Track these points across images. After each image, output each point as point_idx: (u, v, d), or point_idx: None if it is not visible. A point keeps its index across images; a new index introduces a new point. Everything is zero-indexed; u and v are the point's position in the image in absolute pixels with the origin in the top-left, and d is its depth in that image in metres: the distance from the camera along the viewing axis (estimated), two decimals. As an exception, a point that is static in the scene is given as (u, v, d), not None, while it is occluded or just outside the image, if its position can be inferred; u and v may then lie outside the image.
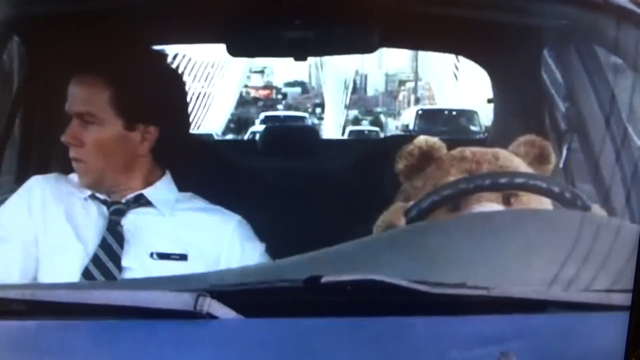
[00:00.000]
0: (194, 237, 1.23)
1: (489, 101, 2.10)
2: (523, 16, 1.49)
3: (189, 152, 1.28)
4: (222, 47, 1.65)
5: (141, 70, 1.27)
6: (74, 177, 1.30)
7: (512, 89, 1.86)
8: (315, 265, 0.96)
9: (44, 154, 1.68)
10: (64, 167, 1.58)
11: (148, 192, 1.26)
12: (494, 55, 1.88)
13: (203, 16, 1.56)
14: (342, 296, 0.90)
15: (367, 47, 1.70)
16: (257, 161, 1.90)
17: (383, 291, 0.89)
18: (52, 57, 1.61)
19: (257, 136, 2.33)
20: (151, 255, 1.20)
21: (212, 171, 1.45)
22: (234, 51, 1.66)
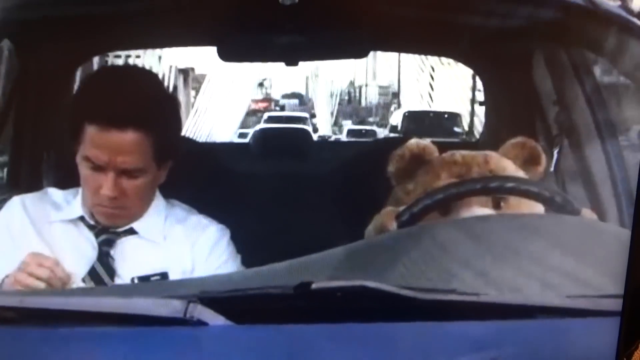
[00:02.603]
0: (173, 253, 1.21)
1: (481, 104, 2.11)
2: (514, 20, 1.50)
3: (182, 159, 1.27)
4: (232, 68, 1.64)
5: (170, 112, 1.25)
6: (53, 192, 1.27)
7: (503, 92, 1.87)
8: (305, 271, 0.96)
9: (35, 157, 1.68)
10: (55, 172, 1.58)
11: (139, 226, 1.22)
12: (486, 59, 1.89)
13: (195, 20, 1.55)
14: (332, 302, 0.89)
15: (358, 52, 1.70)
16: (249, 165, 1.90)
17: (373, 297, 0.89)
18: (44, 60, 1.61)
19: (251, 139, 2.33)
20: (132, 281, 1.17)
21: (203, 176, 1.45)
22: (225, 55, 1.65)
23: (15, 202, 1.25)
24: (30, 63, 1.62)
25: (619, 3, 1.41)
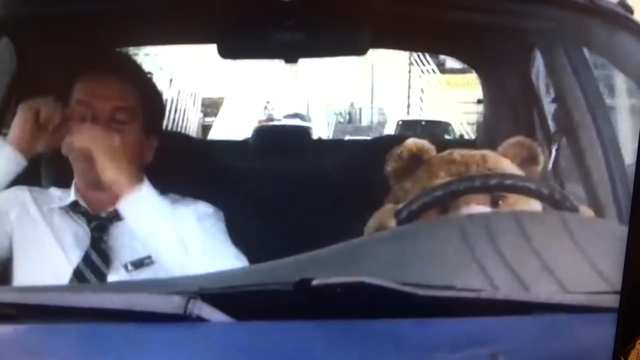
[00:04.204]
0: (164, 235, 1.21)
1: (479, 102, 2.11)
2: (512, 18, 1.50)
3: (178, 154, 1.27)
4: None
5: (153, 87, 1.37)
6: (54, 189, 1.32)
7: (501, 90, 1.87)
8: (305, 267, 0.96)
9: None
10: (54, 171, 1.58)
11: (126, 207, 1.21)
12: (484, 57, 1.89)
13: (194, 17, 1.55)
14: (332, 299, 0.90)
15: (358, 49, 1.70)
16: (248, 162, 1.90)
17: (373, 293, 0.89)
18: (42, 57, 1.61)
19: (250, 137, 2.32)
20: (126, 267, 1.20)
21: (201, 172, 1.45)
22: (225, 52, 1.65)
23: (23, 188, 1.30)
24: (28, 61, 1.62)
25: (618, 0, 1.41)
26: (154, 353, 0.86)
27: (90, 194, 1.26)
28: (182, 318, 0.86)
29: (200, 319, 0.86)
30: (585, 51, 1.51)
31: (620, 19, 1.34)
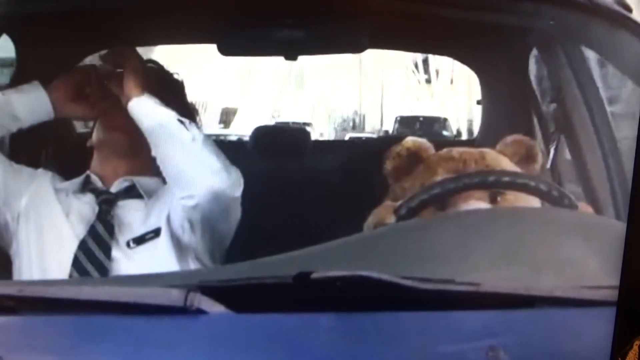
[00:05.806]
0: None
1: (478, 102, 2.12)
2: (511, 17, 1.50)
3: None
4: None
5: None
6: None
7: (500, 89, 1.88)
8: (305, 262, 0.96)
9: (34, 155, 1.67)
10: (54, 170, 1.58)
11: (138, 180, 1.29)
12: (482, 56, 1.90)
13: (194, 16, 1.56)
14: (331, 292, 0.90)
15: (357, 47, 1.71)
16: (248, 161, 1.89)
17: (372, 287, 0.89)
18: (42, 56, 1.61)
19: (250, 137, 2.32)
20: (127, 244, 1.23)
21: None
22: (225, 50, 1.66)
23: (46, 171, 1.36)
24: (28, 59, 1.62)
25: (616, -1, 1.41)
26: (154, 345, 0.86)
27: (105, 166, 1.31)
28: (181, 310, 0.87)
29: (199, 312, 0.87)
30: (584, 50, 1.52)
31: (618, 18, 1.34)
